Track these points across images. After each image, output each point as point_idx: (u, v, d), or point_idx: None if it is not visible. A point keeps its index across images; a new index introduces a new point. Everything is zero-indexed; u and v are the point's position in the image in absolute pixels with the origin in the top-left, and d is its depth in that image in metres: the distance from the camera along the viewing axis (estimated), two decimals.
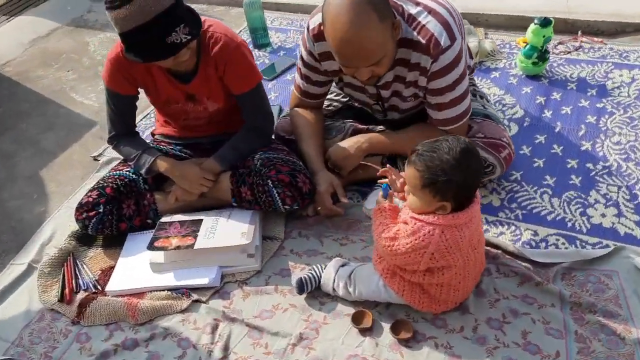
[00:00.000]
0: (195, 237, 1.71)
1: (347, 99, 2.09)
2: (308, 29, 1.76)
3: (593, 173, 1.89)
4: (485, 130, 1.80)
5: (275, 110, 2.35)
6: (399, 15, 1.59)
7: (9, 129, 2.67)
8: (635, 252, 1.58)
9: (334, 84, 1.96)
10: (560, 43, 2.57)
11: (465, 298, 1.50)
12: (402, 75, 1.71)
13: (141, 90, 1.85)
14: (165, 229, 1.76)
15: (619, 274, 1.53)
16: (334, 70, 1.80)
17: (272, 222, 1.88)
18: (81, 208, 1.80)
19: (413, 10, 1.60)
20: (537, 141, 2.07)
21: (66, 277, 1.76)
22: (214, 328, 1.57)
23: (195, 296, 1.66)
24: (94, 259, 1.84)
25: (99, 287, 1.74)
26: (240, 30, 3.16)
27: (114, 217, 1.81)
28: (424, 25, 1.59)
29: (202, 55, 1.73)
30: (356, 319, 1.51)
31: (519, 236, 1.71)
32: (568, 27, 2.65)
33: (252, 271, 1.72)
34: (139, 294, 1.69)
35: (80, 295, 1.70)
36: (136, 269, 1.75)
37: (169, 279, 1.70)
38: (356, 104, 2.05)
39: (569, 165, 1.93)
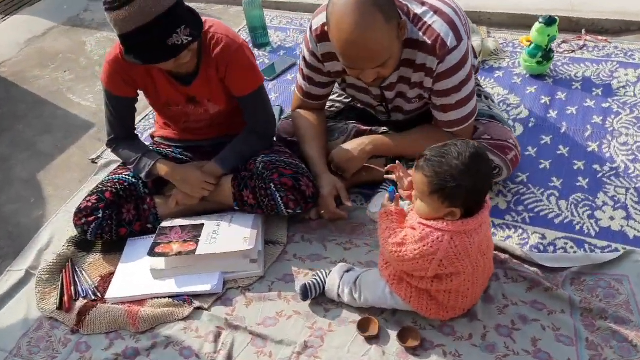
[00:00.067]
0: (197, 242, 1.68)
1: (350, 99, 2.06)
2: (311, 29, 1.72)
3: (600, 175, 1.86)
4: (491, 132, 1.76)
5: (276, 111, 2.31)
6: (405, 15, 1.56)
7: (5, 131, 2.63)
8: None
9: (336, 84, 1.92)
10: (564, 42, 2.54)
11: (473, 304, 1.47)
12: (407, 76, 1.67)
13: (140, 92, 1.81)
14: (166, 234, 1.73)
15: (629, 279, 1.50)
16: (337, 71, 1.76)
17: (274, 226, 1.84)
18: (80, 213, 1.76)
19: (419, 10, 1.57)
20: (542, 142, 2.04)
21: (65, 284, 1.72)
22: (217, 336, 1.54)
23: (197, 303, 1.62)
24: (93, 265, 1.81)
25: (98, 294, 1.70)
26: (240, 30, 3.12)
27: (114, 222, 1.78)
28: (430, 26, 1.55)
29: (203, 56, 1.70)
30: (362, 327, 1.48)
31: (526, 240, 1.68)
32: (572, 26, 2.62)
33: (255, 277, 1.69)
34: (140, 301, 1.65)
35: (80, 303, 1.67)
36: (136, 275, 1.71)
37: (170, 286, 1.67)
38: (359, 105, 2.02)
39: (575, 167, 1.91)
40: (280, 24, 3.18)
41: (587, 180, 1.85)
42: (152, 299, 1.65)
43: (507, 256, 1.61)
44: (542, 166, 1.93)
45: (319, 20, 1.68)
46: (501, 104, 2.24)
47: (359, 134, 1.93)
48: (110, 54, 1.70)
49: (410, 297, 1.41)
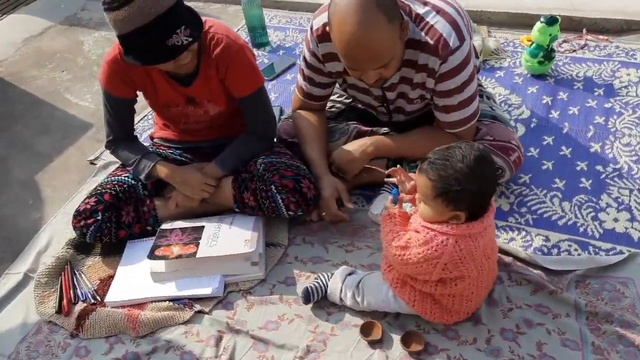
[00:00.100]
0: (197, 245, 1.66)
1: (351, 100, 2.04)
2: (311, 29, 1.70)
3: (603, 176, 1.85)
4: (493, 133, 1.75)
5: (275, 112, 2.29)
6: (407, 15, 1.54)
7: (2, 132, 2.60)
8: None
9: (337, 85, 1.91)
10: (565, 41, 2.53)
11: (477, 308, 1.45)
12: (409, 77, 1.66)
13: (139, 93, 1.79)
14: (166, 237, 1.71)
15: (634, 282, 1.49)
16: (338, 71, 1.74)
17: (275, 228, 1.83)
18: (79, 215, 1.74)
19: (421, 10, 1.55)
20: (545, 142, 2.02)
21: (64, 288, 1.70)
22: (218, 340, 1.52)
23: (198, 307, 1.61)
24: (92, 268, 1.79)
25: (98, 297, 1.68)
26: (239, 29, 3.10)
27: (113, 224, 1.76)
28: (432, 26, 1.54)
29: (203, 57, 1.68)
30: (365, 331, 1.47)
31: (530, 242, 1.67)
32: (573, 25, 2.61)
33: (256, 280, 1.67)
34: (140, 304, 1.63)
35: (79, 307, 1.65)
36: (136, 278, 1.69)
37: (170, 289, 1.65)
38: (360, 106, 2.00)
39: (578, 168, 1.89)
40: (280, 23, 3.16)
41: (590, 181, 1.83)
42: (152, 302, 1.63)
43: (510, 259, 1.59)
44: (544, 167, 1.92)
45: (319, 20, 1.66)
46: (502, 104, 2.23)
47: (360, 134, 1.92)
48: (109, 54, 1.68)
49: (413, 300, 1.40)
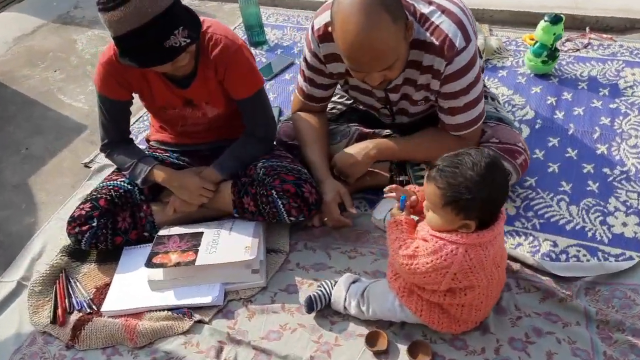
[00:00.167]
0: (196, 252, 1.61)
1: (352, 101, 1.99)
2: (312, 29, 1.65)
3: (611, 178, 1.81)
4: (499, 135, 1.71)
5: (274, 112, 2.24)
6: (411, 15, 1.49)
7: None
8: None
9: (338, 86, 1.86)
10: (568, 40, 2.49)
11: (485, 317, 1.41)
12: (413, 78, 1.61)
13: (135, 94, 1.74)
14: (164, 244, 1.66)
15: None
16: (340, 72, 1.70)
17: (275, 234, 1.78)
18: (73, 222, 1.69)
19: (425, 9, 1.51)
20: (550, 144, 1.98)
21: (58, 296, 1.65)
22: (219, 351, 1.48)
23: (197, 316, 1.56)
24: (88, 276, 1.74)
25: (94, 306, 1.63)
26: (235, 27, 3.04)
27: (109, 230, 1.71)
28: (437, 26, 1.49)
29: (201, 58, 1.63)
30: (370, 341, 1.42)
31: (537, 247, 1.63)
32: (576, 24, 2.57)
33: (257, 288, 1.62)
34: (137, 314, 1.59)
35: (74, 316, 1.60)
36: (133, 286, 1.64)
37: (169, 298, 1.60)
38: (361, 107, 1.95)
39: (585, 170, 1.86)
40: (277, 22, 3.10)
41: (597, 184, 1.80)
42: (150, 311, 1.59)
43: (518, 265, 1.56)
44: (550, 169, 1.88)
45: (321, 19, 1.62)
46: (506, 105, 2.19)
47: (362, 136, 1.87)
48: (104, 55, 1.62)
49: (421, 310, 1.36)
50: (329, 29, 1.50)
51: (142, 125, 2.43)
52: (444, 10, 1.50)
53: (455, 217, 1.20)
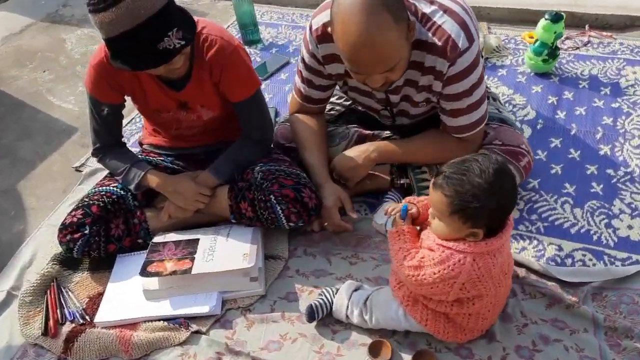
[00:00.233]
0: (193, 260, 1.56)
1: (350, 102, 1.95)
2: (311, 29, 1.61)
3: (615, 180, 1.78)
4: (502, 137, 1.67)
5: (271, 113, 2.19)
6: (412, 14, 1.45)
7: None
8: None
9: (337, 86, 1.81)
10: (567, 38, 2.45)
11: (492, 325, 1.38)
12: (415, 80, 1.57)
13: (127, 97, 1.69)
14: (159, 251, 1.61)
15: None
16: (339, 73, 1.66)
17: (274, 239, 1.73)
18: (65, 229, 1.64)
19: (427, 9, 1.46)
20: (552, 145, 1.95)
21: (50, 307, 1.60)
22: None
23: (194, 326, 1.51)
24: (80, 285, 1.68)
25: (87, 317, 1.58)
26: (228, 26, 2.99)
27: (102, 238, 1.65)
28: (439, 26, 1.45)
29: (196, 59, 1.57)
30: (373, 350, 1.38)
31: (542, 252, 1.59)
32: (575, 21, 2.54)
33: (256, 296, 1.58)
34: (132, 325, 1.53)
35: (67, 328, 1.55)
36: (128, 296, 1.59)
37: (164, 308, 1.55)
38: (360, 108, 1.91)
39: (588, 172, 1.82)
40: (271, 20, 3.05)
41: (601, 185, 1.77)
42: (145, 322, 1.53)
43: (524, 270, 1.52)
44: (553, 171, 1.85)
45: (319, 19, 1.57)
46: (507, 105, 2.15)
47: (361, 138, 1.83)
48: (95, 57, 1.57)
49: (426, 320, 1.32)
50: (328, 29, 1.45)
51: (134, 128, 2.37)
52: (446, 10, 1.46)
53: (463, 225, 1.16)
